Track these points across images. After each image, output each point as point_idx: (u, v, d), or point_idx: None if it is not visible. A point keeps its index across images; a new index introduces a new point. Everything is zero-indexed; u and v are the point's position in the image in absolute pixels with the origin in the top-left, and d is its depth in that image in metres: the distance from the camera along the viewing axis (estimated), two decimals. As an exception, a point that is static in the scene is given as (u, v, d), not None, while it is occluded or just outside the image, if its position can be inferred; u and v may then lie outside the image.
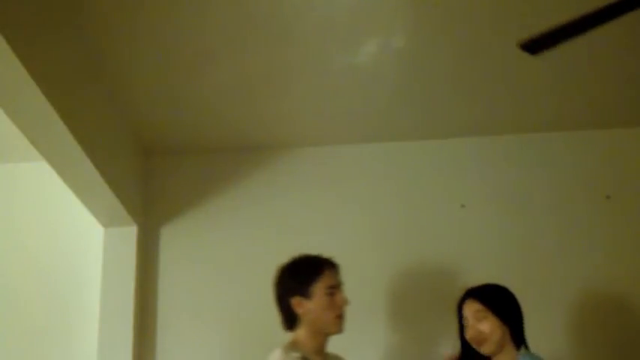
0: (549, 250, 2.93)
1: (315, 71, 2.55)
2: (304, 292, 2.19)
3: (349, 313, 2.74)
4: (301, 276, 2.22)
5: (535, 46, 1.86)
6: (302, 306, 2.19)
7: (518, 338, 2.17)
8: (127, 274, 2.89)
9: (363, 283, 2.92)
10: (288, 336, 2.95)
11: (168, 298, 2.96)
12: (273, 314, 2.89)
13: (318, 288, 2.18)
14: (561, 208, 2.98)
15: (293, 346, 2.16)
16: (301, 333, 2.20)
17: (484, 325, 2.15)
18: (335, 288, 2.22)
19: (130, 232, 2.93)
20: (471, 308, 2.20)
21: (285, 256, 2.94)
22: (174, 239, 3.05)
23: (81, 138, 2.17)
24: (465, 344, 2.22)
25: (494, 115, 2.95)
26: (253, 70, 2.52)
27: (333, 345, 2.26)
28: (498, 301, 2.20)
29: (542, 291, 2.81)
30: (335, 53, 2.45)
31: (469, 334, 2.18)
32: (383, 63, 2.53)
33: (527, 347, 2.18)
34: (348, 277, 2.91)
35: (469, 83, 2.69)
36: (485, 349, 2.15)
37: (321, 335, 2.20)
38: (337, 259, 2.97)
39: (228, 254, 3.01)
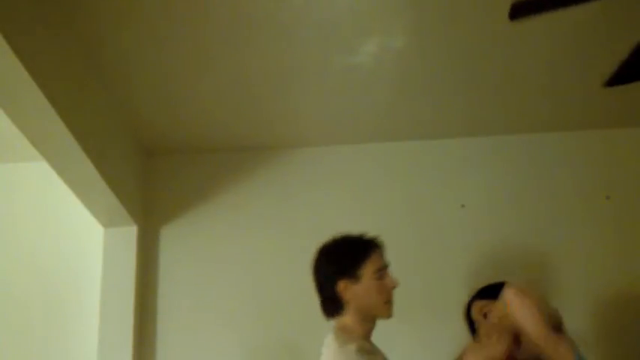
0: (549, 250, 2.93)
1: (315, 71, 2.55)
2: (352, 275, 2.00)
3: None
4: (348, 257, 2.03)
5: (517, 11, 1.82)
6: (349, 290, 1.99)
7: None
8: (127, 274, 2.89)
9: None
10: (288, 337, 2.96)
11: (169, 298, 2.96)
12: (273, 314, 2.91)
13: (367, 270, 2.00)
14: (561, 208, 2.98)
15: (344, 332, 1.98)
16: (348, 318, 2.01)
17: (492, 319, 2.13)
18: (383, 270, 2.04)
19: (130, 232, 2.93)
20: (476, 308, 2.19)
21: (285, 256, 2.96)
22: (174, 239, 3.05)
23: (81, 138, 2.17)
24: None
25: (494, 115, 2.95)
26: (253, 71, 2.52)
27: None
28: (501, 292, 2.17)
29: (541, 291, 2.81)
30: (335, 53, 2.45)
31: (482, 332, 2.14)
32: (383, 63, 2.53)
33: None
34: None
35: (469, 83, 2.69)
36: None
37: (371, 321, 2.03)
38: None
39: (228, 254, 3.01)
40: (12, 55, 1.68)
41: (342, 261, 2.03)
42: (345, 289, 2.00)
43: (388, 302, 2.03)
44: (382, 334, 2.85)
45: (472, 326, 2.23)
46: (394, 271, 2.91)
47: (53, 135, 2.11)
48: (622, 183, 3.00)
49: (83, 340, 2.87)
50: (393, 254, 2.95)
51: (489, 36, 2.38)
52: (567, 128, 3.06)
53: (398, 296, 2.91)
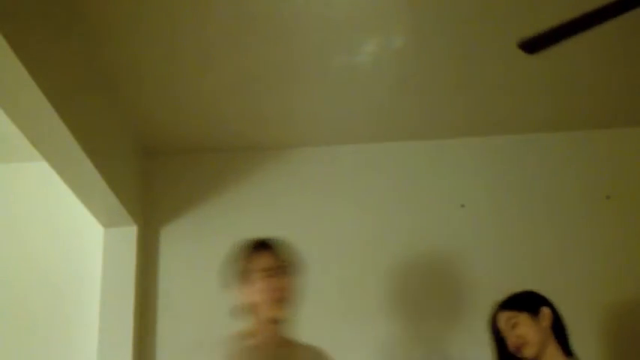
0: (549, 250, 2.93)
1: (315, 71, 2.55)
2: (241, 279, 2.11)
3: (349, 311, 2.74)
4: (236, 264, 2.15)
5: (533, 45, 1.86)
6: (241, 294, 2.11)
7: (563, 342, 2.16)
8: (127, 274, 2.89)
9: (362, 283, 2.93)
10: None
11: (169, 298, 2.96)
12: (273, 314, 2.90)
13: (251, 272, 2.09)
14: (561, 208, 2.98)
15: (242, 334, 2.09)
16: (251, 321, 2.11)
17: (520, 329, 2.15)
18: (272, 270, 2.08)
19: (130, 232, 2.93)
20: (503, 318, 2.19)
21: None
22: (174, 239, 3.05)
23: (81, 138, 2.17)
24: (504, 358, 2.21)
25: (494, 115, 2.95)
26: (253, 70, 2.52)
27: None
28: (527, 302, 2.19)
29: (541, 291, 2.80)
30: (335, 53, 2.45)
31: (509, 343, 2.16)
32: (383, 63, 2.53)
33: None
34: (348, 276, 2.93)
35: (469, 83, 2.69)
36: (527, 353, 2.13)
37: (267, 322, 2.09)
38: (337, 258, 3.00)
39: (227, 254, 3.01)
40: (12, 55, 1.68)
41: (233, 268, 2.15)
42: (239, 293, 2.12)
43: (276, 301, 2.06)
44: (381, 332, 2.87)
45: (497, 336, 2.22)
46: (394, 270, 2.94)
47: (53, 135, 2.10)
48: (622, 183, 3.00)
49: (83, 339, 2.87)
50: (392, 254, 2.97)
51: (489, 36, 2.38)
52: (568, 128, 3.05)
53: (397, 296, 2.93)
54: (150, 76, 2.53)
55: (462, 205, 3.01)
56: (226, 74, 2.54)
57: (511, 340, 2.15)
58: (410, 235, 2.99)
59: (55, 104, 1.94)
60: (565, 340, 2.17)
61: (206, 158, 3.15)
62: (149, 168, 3.13)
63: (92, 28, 2.21)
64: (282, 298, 2.08)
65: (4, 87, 1.86)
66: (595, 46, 2.44)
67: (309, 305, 2.58)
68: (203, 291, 2.96)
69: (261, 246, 2.14)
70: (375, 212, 3.03)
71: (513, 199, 3.01)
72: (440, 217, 3.01)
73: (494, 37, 2.38)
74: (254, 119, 2.89)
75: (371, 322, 2.87)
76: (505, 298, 2.25)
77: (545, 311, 2.16)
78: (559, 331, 2.17)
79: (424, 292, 2.90)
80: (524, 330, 2.14)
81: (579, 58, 2.52)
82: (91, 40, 2.27)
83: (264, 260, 2.11)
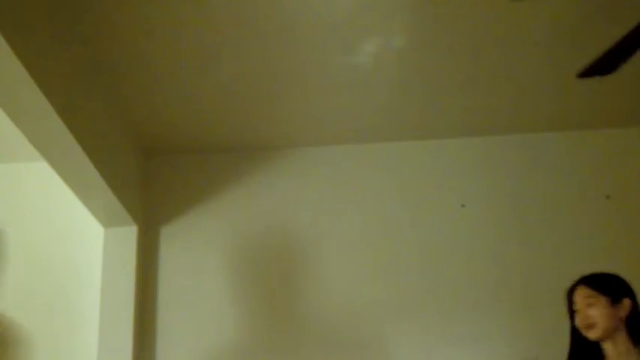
0: (549, 250, 2.93)
1: (315, 71, 2.55)
2: None
3: (348, 309, 2.74)
4: None
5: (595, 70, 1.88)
6: None
7: (635, 333, 2.12)
8: (127, 274, 2.89)
9: (362, 283, 2.93)
10: (288, 335, 2.97)
11: (168, 298, 2.96)
12: (272, 314, 2.91)
13: None
14: (561, 208, 2.98)
15: None
16: None
17: (593, 311, 2.13)
18: None
19: (130, 232, 2.93)
20: (581, 294, 2.17)
21: (284, 256, 2.96)
22: (174, 239, 3.05)
23: (81, 138, 2.17)
24: (574, 331, 2.19)
25: (495, 115, 2.95)
26: (253, 70, 2.52)
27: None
28: (612, 287, 2.17)
29: (541, 291, 2.81)
30: (335, 53, 2.45)
31: (578, 320, 2.15)
32: (383, 63, 2.53)
33: None
34: (348, 275, 2.93)
35: (468, 83, 2.69)
36: (592, 335, 2.12)
37: None
38: (337, 258, 3.00)
39: (227, 254, 3.01)
40: (12, 55, 1.68)
41: None
42: None
43: None
44: (380, 332, 2.87)
45: (571, 307, 2.20)
46: (394, 270, 2.94)
47: (53, 135, 2.11)
48: (622, 183, 3.00)
49: (83, 339, 2.87)
50: (393, 254, 2.97)
51: (489, 36, 2.38)
52: (567, 128, 3.06)
53: (398, 295, 2.92)
54: (150, 76, 2.53)
55: (462, 205, 3.02)
56: (226, 75, 2.53)
57: (581, 317, 2.15)
58: (410, 235, 2.99)
59: (55, 104, 1.94)
60: (638, 332, 2.14)
61: (206, 158, 3.15)
62: (149, 168, 3.13)
63: (92, 28, 2.21)
64: None
65: (4, 87, 1.86)
66: (595, 46, 2.44)
67: (308, 304, 2.59)
68: (203, 290, 2.96)
69: None
70: (375, 212, 3.04)
71: (513, 199, 3.01)
72: (440, 217, 3.01)
73: (494, 36, 2.38)
74: (254, 119, 2.89)
75: (369, 321, 2.87)
76: (590, 274, 2.22)
77: (627, 302, 2.15)
78: (634, 322, 2.14)
79: (424, 292, 2.90)
80: (598, 313, 2.13)
81: (579, 57, 2.52)
82: (91, 40, 2.27)
83: None
